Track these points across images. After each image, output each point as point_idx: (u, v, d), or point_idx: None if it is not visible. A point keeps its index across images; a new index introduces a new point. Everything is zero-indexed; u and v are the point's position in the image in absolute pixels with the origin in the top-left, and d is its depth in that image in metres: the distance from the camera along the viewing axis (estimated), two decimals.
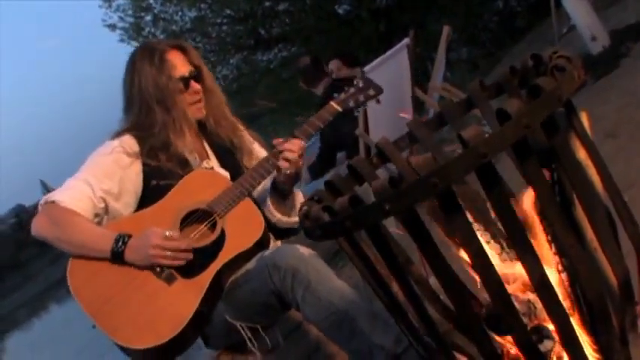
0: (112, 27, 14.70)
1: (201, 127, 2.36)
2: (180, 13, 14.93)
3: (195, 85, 2.28)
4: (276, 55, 15.77)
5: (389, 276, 1.29)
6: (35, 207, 2.23)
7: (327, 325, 1.98)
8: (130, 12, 14.71)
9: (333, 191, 1.50)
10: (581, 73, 1.25)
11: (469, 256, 1.18)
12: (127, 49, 14.51)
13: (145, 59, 2.27)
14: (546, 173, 1.31)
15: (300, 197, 2.36)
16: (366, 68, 4.63)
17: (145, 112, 2.25)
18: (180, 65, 2.28)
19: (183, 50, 2.32)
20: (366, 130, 4.47)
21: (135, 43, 14.68)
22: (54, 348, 15.63)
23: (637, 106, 3.66)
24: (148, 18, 14.79)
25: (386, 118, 4.39)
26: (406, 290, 1.28)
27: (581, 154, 1.28)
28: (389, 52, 4.75)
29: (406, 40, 4.57)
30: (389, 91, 4.44)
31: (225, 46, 14.85)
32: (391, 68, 4.57)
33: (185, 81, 2.26)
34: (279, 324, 2.24)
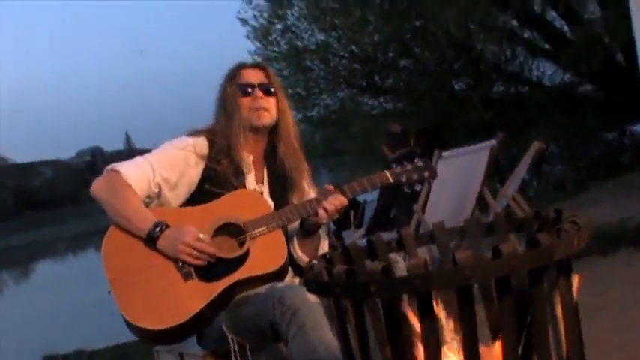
0: (244, 22, 15.19)
1: (268, 156, 2.56)
2: (309, 33, 15.30)
3: (258, 93, 2.48)
4: (381, 103, 16.00)
5: (357, 349, 1.46)
6: (112, 154, 2.50)
7: None
8: (265, 14, 15.18)
9: (346, 257, 1.68)
10: (582, 242, 1.40)
11: (425, 356, 1.35)
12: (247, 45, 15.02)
13: (225, 76, 2.55)
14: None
15: (325, 246, 2.54)
16: (446, 154, 4.80)
17: (217, 120, 2.53)
18: (250, 77, 2.51)
19: (262, 69, 2.57)
20: (424, 207, 4.63)
21: (258, 44, 15.21)
22: (77, 287, 16.10)
23: None
24: (279, 26, 15.21)
25: (445, 204, 4.54)
26: None
27: (558, 311, 1.43)
28: (473, 147, 4.91)
29: (492, 142, 4.71)
30: (457, 182, 4.64)
31: (337, 78, 15.16)
32: (468, 162, 4.72)
33: (245, 86, 2.48)
34: (267, 352, 2.40)
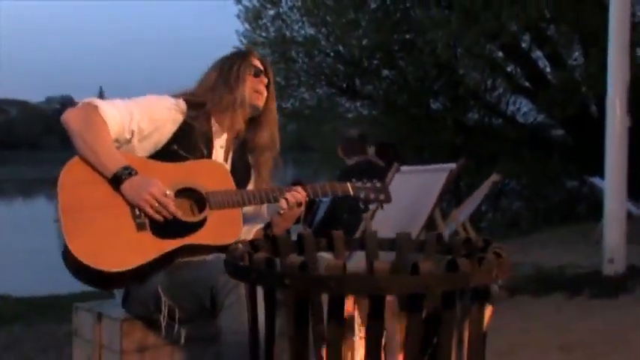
0: (238, 0, 15.13)
1: (237, 143, 2.60)
2: (299, 25, 15.27)
3: (264, 80, 2.58)
4: (357, 107, 16.08)
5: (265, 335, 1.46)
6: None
7: (231, 340, 2.10)
8: None
9: (273, 247, 1.68)
10: (500, 275, 1.42)
11: (326, 354, 1.35)
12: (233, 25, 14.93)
13: (235, 55, 2.63)
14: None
15: None
16: (405, 168, 4.84)
17: (210, 88, 2.53)
18: (260, 65, 2.60)
19: (264, 64, 2.64)
20: (373, 215, 4.65)
21: (247, 26, 15.14)
22: (19, 232, 15.88)
23: (604, 342, 3.77)
24: (271, 12, 15.14)
25: (395, 217, 4.57)
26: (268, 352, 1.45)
27: (465, 337, 1.45)
28: (432, 167, 4.95)
29: (452, 165, 4.75)
30: (411, 198, 4.67)
31: (319, 75, 15.16)
32: (425, 180, 4.75)
33: (258, 69, 2.58)
34: (195, 325, 2.39)
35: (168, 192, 2.26)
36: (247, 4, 14.98)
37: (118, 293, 2.46)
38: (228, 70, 2.54)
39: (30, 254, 10.39)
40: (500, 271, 1.42)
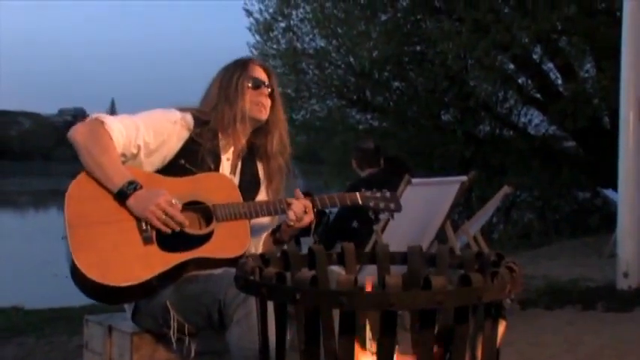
0: (249, 13, 15.19)
1: (245, 155, 2.58)
2: (310, 37, 15.30)
3: (264, 91, 2.54)
4: (367, 119, 16.07)
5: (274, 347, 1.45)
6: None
7: (240, 355, 2.10)
8: (271, 10, 15.16)
9: (284, 260, 1.67)
10: (513, 290, 1.40)
11: None
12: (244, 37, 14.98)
13: (234, 65, 2.58)
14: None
15: None
16: (416, 180, 4.81)
17: (212, 105, 2.52)
18: (260, 74, 2.57)
19: (269, 74, 2.61)
20: (384, 228, 4.61)
21: (258, 38, 15.19)
22: (31, 244, 15.94)
23: (617, 356, 3.73)
24: (282, 24, 15.19)
25: (405, 230, 4.54)
26: None
27: (478, 353, 1.43)
28: (443, 179, 4.91)
29: (464, 177, 4.71)
30: (422, 210, 4.64)
31: (329, 87, 15.16)
32: (436, 193, 4.72)
33: (258, 80, 2.54)
34: (200, 339, 2.38)
35: (174, 201, 2.25)
36: (258, 16, 15.06)
37: (128, 307, 2.45)
38: (227, 83, 2.52)
39: (42, 265, 10.41)
40: (513, 286, 1.41)
